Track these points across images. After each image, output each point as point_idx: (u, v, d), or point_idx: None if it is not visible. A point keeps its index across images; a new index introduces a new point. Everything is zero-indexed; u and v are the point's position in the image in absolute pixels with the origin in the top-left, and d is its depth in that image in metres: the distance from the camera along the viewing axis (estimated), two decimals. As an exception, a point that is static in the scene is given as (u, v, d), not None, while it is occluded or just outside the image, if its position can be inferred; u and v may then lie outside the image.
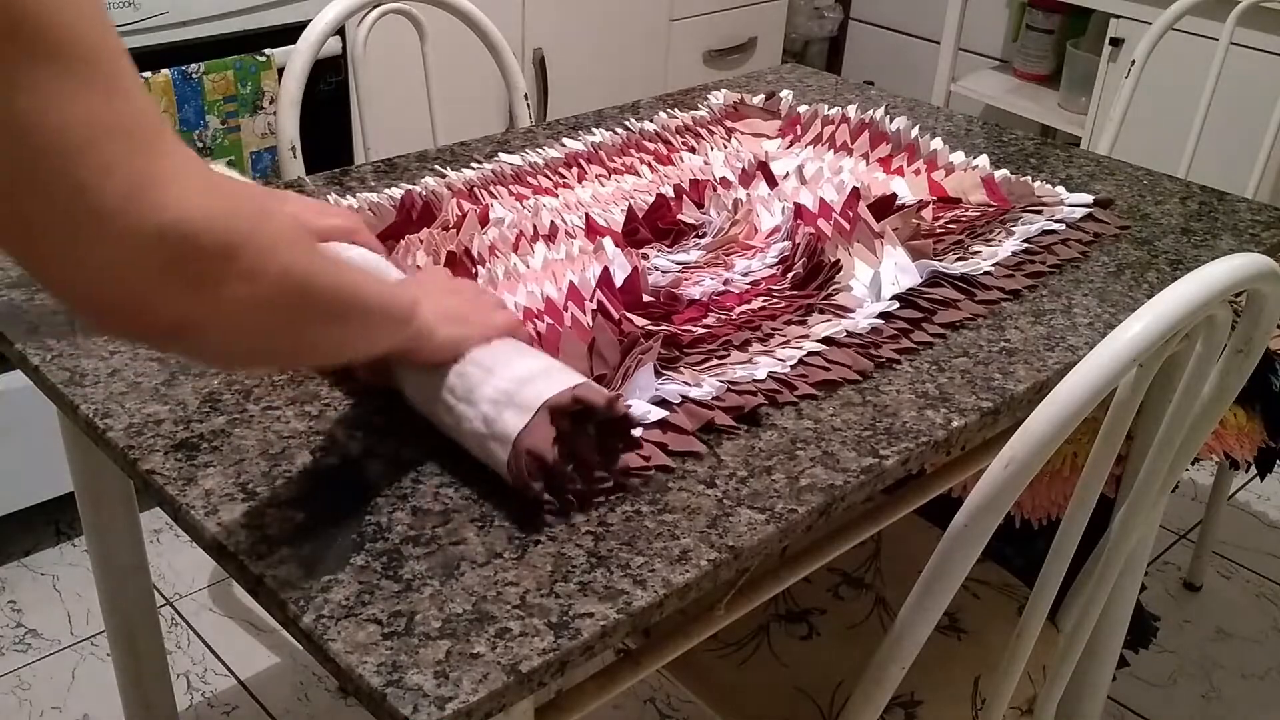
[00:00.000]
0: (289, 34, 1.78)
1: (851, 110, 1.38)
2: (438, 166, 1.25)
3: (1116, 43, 2.32)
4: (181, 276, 0.53)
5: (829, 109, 1.39)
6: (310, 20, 1.40)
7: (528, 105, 1.54)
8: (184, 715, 1.58)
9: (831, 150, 1.32)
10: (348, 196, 1.15)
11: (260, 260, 0.56)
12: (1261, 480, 1.83)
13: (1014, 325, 0.99)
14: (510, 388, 0.74)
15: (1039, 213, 1.16)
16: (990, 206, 1.17)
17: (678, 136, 1.34)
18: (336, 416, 0.83)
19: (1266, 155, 1.73)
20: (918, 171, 1.25)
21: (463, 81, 2.17)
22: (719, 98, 1.47)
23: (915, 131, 1.31)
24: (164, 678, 1.19)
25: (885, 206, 1.12)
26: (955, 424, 0.85)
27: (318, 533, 0.72)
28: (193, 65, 1.71)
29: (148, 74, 1.66)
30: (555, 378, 0.75)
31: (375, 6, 1.47)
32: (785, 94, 1.46)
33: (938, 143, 1.29)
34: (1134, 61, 1.72)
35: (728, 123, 1.40)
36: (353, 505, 0.74)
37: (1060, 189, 1.23)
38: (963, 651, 1.11)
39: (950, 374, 0.92)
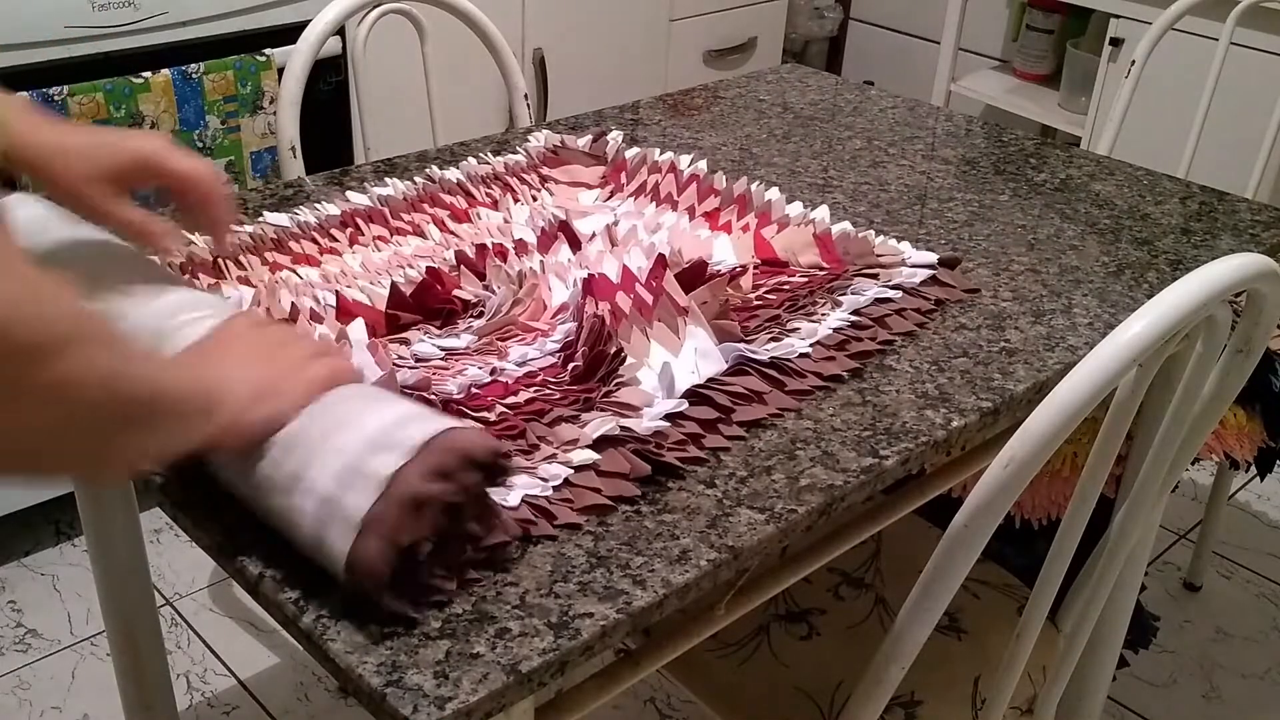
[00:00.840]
0: (289, 34, 1.78)
1: (684, 160, 1.22)
2: (309, 208, 1.18)
3: (1116, 43, 2.32)
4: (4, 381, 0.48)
5: (660, 154, 1.23)
6: (310, 20, 1.40)
7: (528, 105, 1.54)
8: (184, 715, 1.58)
9: (655, 203, 1.16)
10: (302, 209, 1.15)
11: (61, 370, 0.51)
12: (1261, 480, 1.83)
13: (1014, 325, 0.99)
14: (349, 460, 0.63)
15: (874, 277, 1.02)
16: (821, 270, 1.04)
17: (481, 188, 1.17)
18: (336, 416, 0.83)
19: (1266, 155, 1.73)
20: (746, 228, 1.10)
21: (463, 81, 2.17)
22: (539, 139, 1.27)
23: (747, 183, 1.16)
24: (164, 678, 1.19)
25: (696, 276, 0.96)
26: (955, 424, 0.85)
27: (317, 533, 0.72)
28: (193, 65, 1.71)
29: (147, 74, 1.66)
30: (404, 432, 0.64)
31: (375, 6, 1.47)
32: (614, 135, 1.28)
33: (773, 193, 1.13)
34: (1134, 61, 1.72)
35: (545, 169, 1.23)
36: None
37: (905, 245, 1.08)
38: (963, 651, 1.11)
39: (950, 374, 0.92)
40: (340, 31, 1.79)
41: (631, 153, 1.25)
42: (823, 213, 1.12)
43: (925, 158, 1.36)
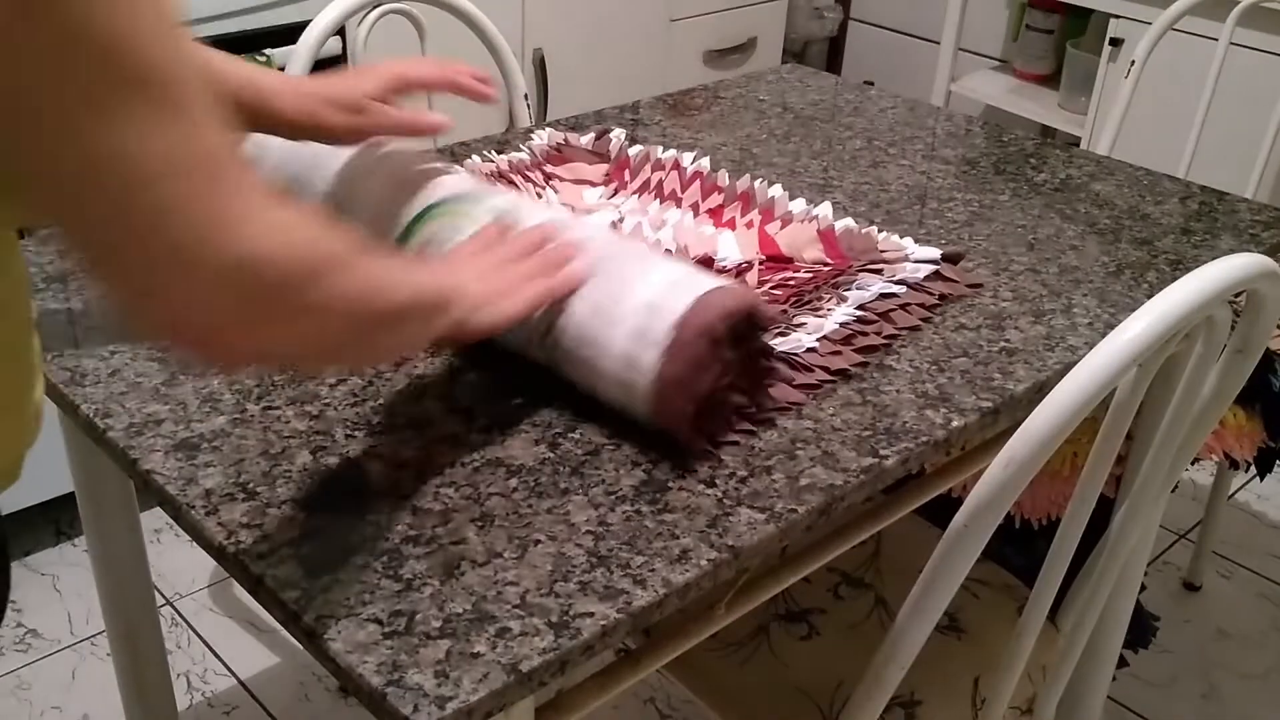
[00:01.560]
0: (289, 34, 1.78)
1: (688, 158, 1.21)
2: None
3: (1116, 43, 2.33)
4: (256, 310, 0.55)
5: (663, 152, 1.22)
6: (310, 20, 1.40)
7: (528, 105, 1.54)
8: (184, 715, 1.58)
9: (659, 200, 1.16)
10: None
11: (325, 291, 0.58)
12: (1261, 480, 1.83)
13: (1014, 325, 0.99)
14: (640, 322, 0.77)
15: (878, 272, 1.02)
16: (825, 265, 1.04)
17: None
18: (336, 416, 0.83)
19: (1266, 155, 1.73)
20: (750, 224, 1.11)
21: (463, 81, 2.16)
22: (542, 137, 1.28)
23: (750, 180, 1.15)
24: (164, 678, 1.20)
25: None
26: (955, 424, 0.85)
27: (318, 532, 0.72)
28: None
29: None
30: (683, 291, 0.78)
31: (375, 6, 1.47)
32: (617, 134, 1.28)
33: (776, 190, 1.14)
34: (1134, 61, 1.72)
35: (549, 167, 1.23)
36: (353, 505, 0.74)
37: (908, 241, 1.08)
38: (963, 651, 1.11)
39: (950, 374, 0.92)
40: (340, 32, 1.79)
41: (635, 150, 1.25)
42: (825, 209, 1.11)
43: (925, 158, 1.36)
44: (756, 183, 1.15)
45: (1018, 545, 1.32)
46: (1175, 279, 0.77)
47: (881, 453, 0.82)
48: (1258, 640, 1.79)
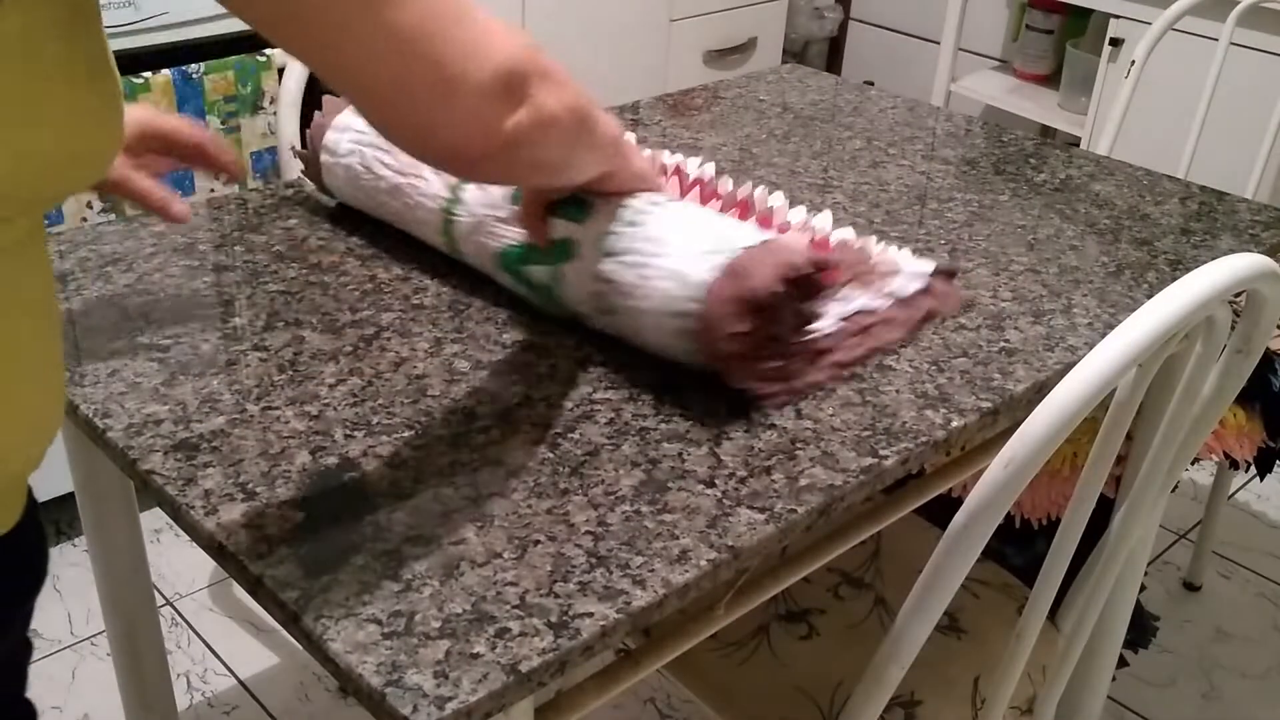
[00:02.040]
0: (289, 34, 1.77)
1: (693, 163, 1.16)
2: None
3: (1116, 43, 2.33)
4: (514, 97, 0.68)
5: (669, 156, 1.17)
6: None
7: (528, 105, 1.53)
8: (184, 715, 1.58)
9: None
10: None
11: (560, 78, 0.71)
12: (1261, 480, 1.83)
13: (1014, 325, 0.99)
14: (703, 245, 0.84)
15: (868, 285, 0.99)
16: None
17: None
18: (336, 417, 0.83)
19: (1266, 155, 1.73)
20: None
21: (463, 81, 2.17)
22: None
23: (750, 187, 1.11)
24: (164, 678, 1.19)
25: None
26: (955, 424, 0.85)
27: (317, 533, 0.72)
28: (193, 65, 1.71)
29: (148, 74, 1.67)
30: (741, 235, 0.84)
31: (375, 7, 1.47)
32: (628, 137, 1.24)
33: (777, 198, 1.10)
34: (1134, 62, 1.72)
35: None
36: (352, 505, 0.74)
37: (905, 253, 1.05)
38: (963, 651, 1.11)
39: (950, 374, 0.92)
40: (340, 32, 1.79)
41: (645, 154, 1.22)
42: (825, 218, 1.09)
43: (925, 158, 1.36)
44: (757, 190, 1.13)
45: (1018, 545, 1.32)
46: (1175, 279, 0.77)
47: (881, 453, 0.82)
48: (1258, 640, 1.79)
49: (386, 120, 0.66)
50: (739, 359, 0.83)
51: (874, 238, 1.08)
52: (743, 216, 1.11)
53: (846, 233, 1.08)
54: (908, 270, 1.03)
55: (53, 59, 0.54)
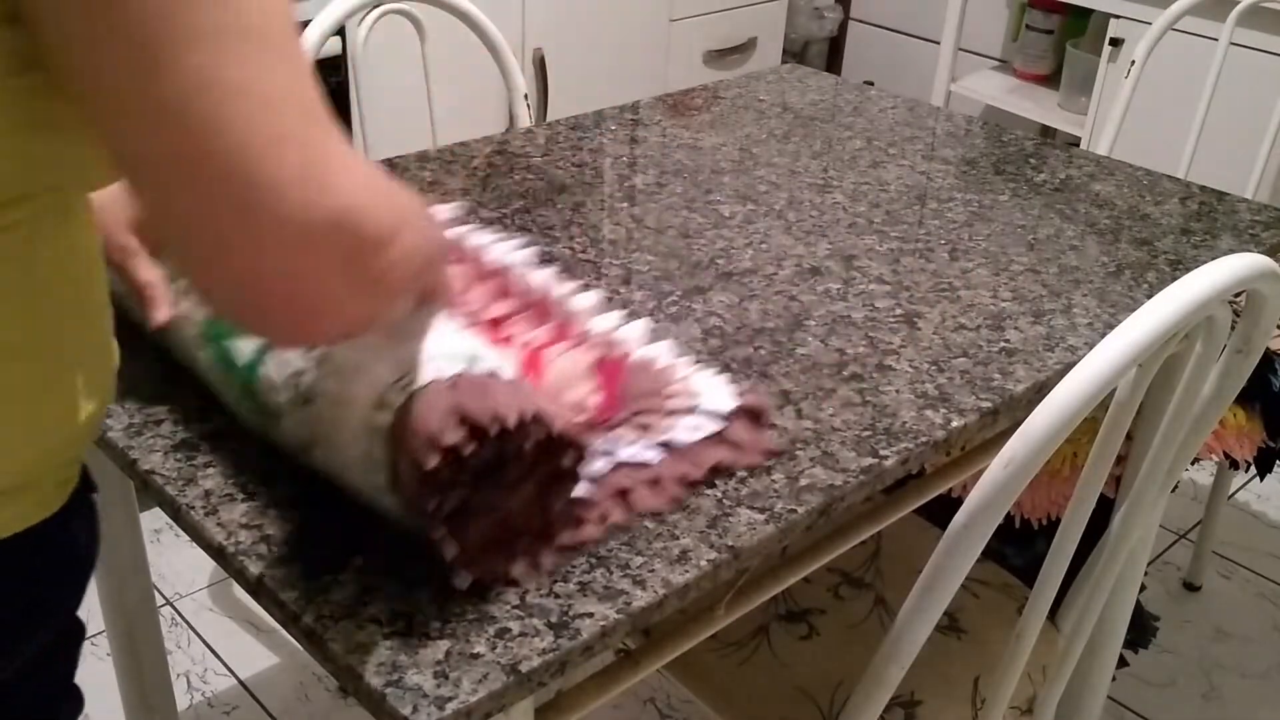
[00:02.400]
0: (289, 34, 1.77)
1: (505, 247, 0.96)
2: (436, 167, 1.25)
3: (1116, 43, 2.33)
4: (359, 270, 0.52)
5: (484, 237, 0.98)
6: (310, 20, 1.40)
7: (528, 105, 1.54)
8: (184, 715, 1.58)
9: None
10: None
11: (409, 249, 0.55)
12: (1261, 480, 1.83)
13: (1014, 325, 0.99)
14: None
15: (644, 428, 0.79)
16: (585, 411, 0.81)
17: None
18: (336, 416, 0.83)
19: (1266, 155, 1.73)
20: (529, 346, 0.84)
21: (463, 82, 2.17)
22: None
23: (556, 284, 0.90)
24: (164, 678, 1.20)
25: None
26: (955, 424, 0.86)
27: (317, 533, 0.72)
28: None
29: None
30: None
31: (375, 7, 1.47)
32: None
33: (586, 299, 0.89)
34: (1134, 62, 1.72)
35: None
36: (352, 506, 0.74)
37: (718, 381, 0.85)
38: (962, 651, 1.11)
39: (950, 374, 0.92)
40: (340, 31, 1.79)
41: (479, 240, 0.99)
42: (635, 330, 0.88)
43: (925, 158, 1.36)
44: (567, 287, 0.90)
45: (1018, 545, 1.32)
46: (1175, 279, 0.77)
47: (881, 453, 0.82)
48: (1258, 640, 1.79)
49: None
50: (435, 515, 0.63)
51: (687, 359, 0.88)
52: (537, 322, 0.88)
53: (657, 349, 0.86)
54: (704, 408, 0.81)
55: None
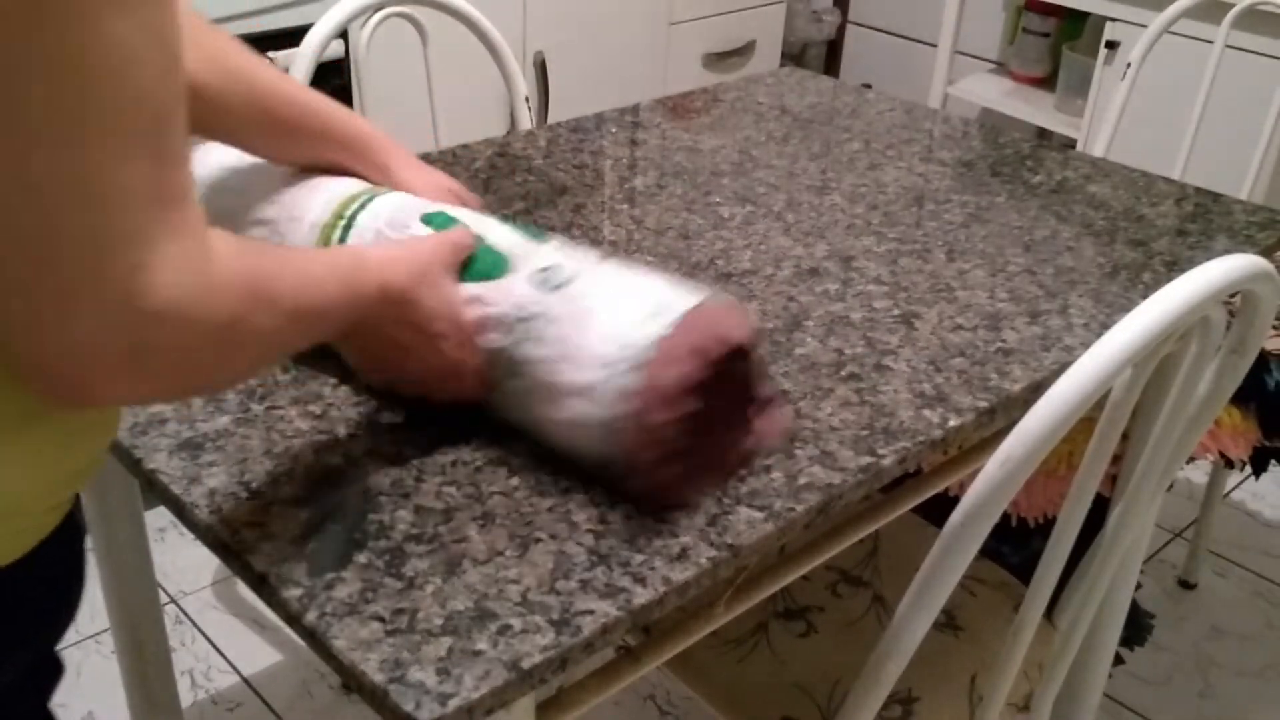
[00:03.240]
0: (292, 37, 1.78)
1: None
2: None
3: (1112, 45, 2.33)
4: (143, 364, 0.52)
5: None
6: (313, 24, 1.41)
7: (529, 108, 1.54)
8: (188, 712, 1.59)
9: None
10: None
11: (238, 342, 0.57)
12: (1256, 479, 1.83)
13: (1010, 326, 1.00)
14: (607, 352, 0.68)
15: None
16: None
17: None
18: (339, 415, 0.84)
19: (1261, 157, 1.74)
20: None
21: (464, 84, 2.17)
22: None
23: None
24: (168, 675, 1.20)
25: None
26: (952, 424, 0.86)
27: (321, 531, 0.73)
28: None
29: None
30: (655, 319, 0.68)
31: (378, 10, 1.48)
32: None
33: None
34: (1130, 64, 1.73)
35: None
36: (355, 503, 0.75)
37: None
38: (960, 649, 1.12)
39: (947, 374, 0.92)
40: (343, 35, 1.80)
41: None
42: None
43: (922, 160, 1.37)
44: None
45: (1014, 543, 1.32)
46: (1171, 280, 0.78)
47: (879, 452, 0.82)
48: (1253, 638, 1.79)
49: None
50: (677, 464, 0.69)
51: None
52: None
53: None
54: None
55: None
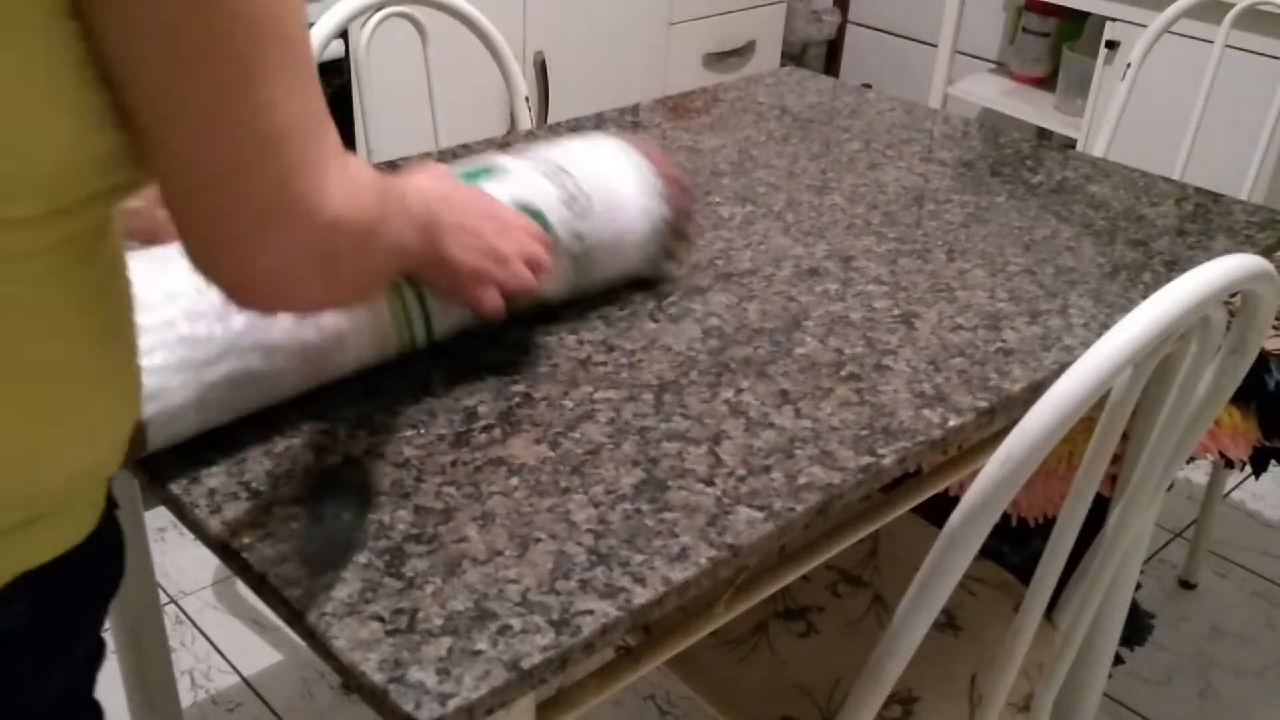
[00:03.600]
0: (290, 36, 1.78)
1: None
2: None
3: (1112, 45, 2.33)
4: (331, 267, 0.60)
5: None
6: (313, 24, 1.41)
7: (529, 108, 1.54)
8: (188, 713, 1.59)
9: None
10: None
11: (378, 246, 0.65)
12: (1256, 479, 1.83)
13: (1010, 326, 1.00)
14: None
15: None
16: None
17: None
18: (339, 415, 0.84)
19: (1261, 157, 1.74)
20: None
21: (464, 84, 2.17)
22: None
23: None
24: (168, 675, 1.20)
25: None
26: (952, 423, 0.86)
27: (321, 531, 0.73)
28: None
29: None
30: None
31: (378, 9, 1.48)
32: None
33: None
34: (1130, 64, 1.73)
35: None
36: (355, 503, 0.75)
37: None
38: (960, 649, 1.12)
39: (947, 374, 0.92)
40: (343, 34, 1.80)
41: None
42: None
43: (922, 160, 1.37)
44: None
45: (1014, 543, 1.32)
46: (1171, 280, 0.78)
47: (879, 452, 0.82)
48: (1253, 638, 1.79)
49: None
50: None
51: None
52: None
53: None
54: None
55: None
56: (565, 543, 0.72)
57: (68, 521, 0.62)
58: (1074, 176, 1.34)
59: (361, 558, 0.70)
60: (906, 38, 3.08)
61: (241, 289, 0.59)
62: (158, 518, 1.91)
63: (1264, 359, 1.55)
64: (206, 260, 0.58)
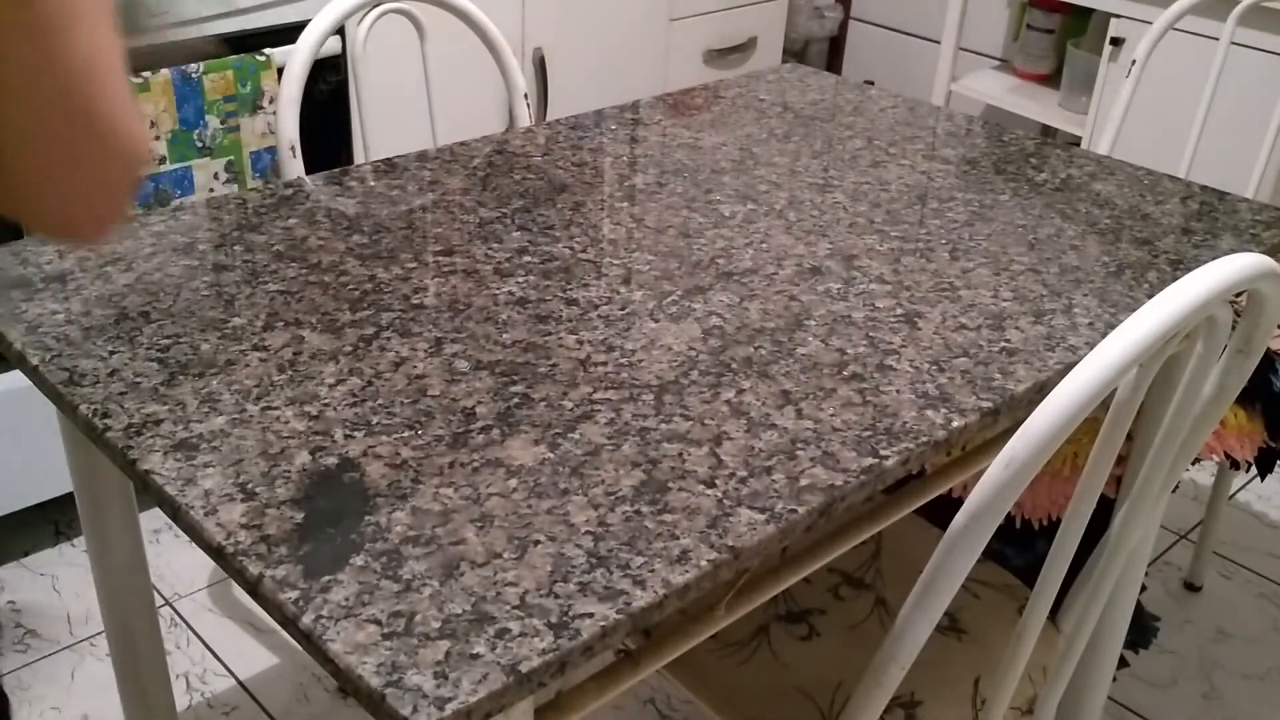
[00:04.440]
0: (289, 34, 1.78)
1: None
2: (436, 166, 1.25)
3: (1117, 42, 2.33)
4: (127, 195, 0.60)
5: None
6: (310, 20, 1.40)
7: (528, 105, 1.54)
8: (183, 715, 1.58)
9: None
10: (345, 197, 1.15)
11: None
12: (1262, 480, 1.83)
13: (1014, 325, 0.99)
14: None
15: None
16: None
17: None
18: (335, 417, 0.83)
19: (1267, 155, 1.73)
20: None
21: (463, 81, 2.17)
22: None
23: None
24: (163, 678, 1.19)
25: None
26: (955, 424, 0.85)
27: (317, 533, 0.72)
28: (192, 65, 1.71)
29: (147, 73, 1.66)
30: None
31: (375, 6, 1.47)
32: None
33: None
34: (1134, 61, 1.72)
35: None
36: (352, 506, 0.74)
37: None
38: (963, 652, 1.11)
39: (950, 374, 0.92)
40: (340, 31, 1.79)
41: None
42: None
43: (926, 157, 1.36)
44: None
45: (1018, 545, 1.32)
46: (1176, 279, 0.77)
47: (882, 453, 0.82)
48: (1259, 640, 1.79)
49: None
50: None
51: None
52: None
53: None
54: None
55: None
56: (564, 545, 0.71)
57: None
58: (1078, 174, 1.33)
59: (358, 560, 0.70)
60: (909, 34, 3.07)
61: (63, 226, 0.60)
62: (153, 519, 1.90)
63: (1270, 359, 1.54)
64: (24, 207, 0.59)
